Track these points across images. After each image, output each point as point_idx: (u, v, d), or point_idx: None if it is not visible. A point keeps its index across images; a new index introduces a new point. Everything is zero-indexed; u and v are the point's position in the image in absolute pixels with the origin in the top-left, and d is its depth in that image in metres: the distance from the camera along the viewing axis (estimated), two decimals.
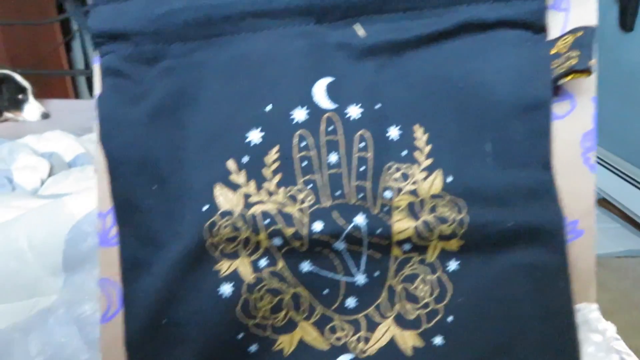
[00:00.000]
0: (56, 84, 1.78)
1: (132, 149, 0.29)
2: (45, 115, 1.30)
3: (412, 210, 0.28)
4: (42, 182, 0.80)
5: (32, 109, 1.29)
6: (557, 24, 0.30)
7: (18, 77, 1.30)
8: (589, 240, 0.30)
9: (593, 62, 0.27)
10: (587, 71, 0.27)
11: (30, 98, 1.30)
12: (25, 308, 0.46)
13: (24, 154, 0.87)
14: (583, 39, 0.27)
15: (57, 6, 1.68)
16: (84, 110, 1.33)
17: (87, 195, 0.46)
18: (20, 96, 1.28)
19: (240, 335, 0.29)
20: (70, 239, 0.45)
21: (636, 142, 1.32)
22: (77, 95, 1.88)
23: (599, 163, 1.40)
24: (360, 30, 0.29)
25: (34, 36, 1.66)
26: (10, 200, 0.58)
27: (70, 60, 1.84)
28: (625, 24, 1.30)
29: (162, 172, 0.29)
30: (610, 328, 0.29)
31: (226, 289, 0.28)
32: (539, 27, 0.29)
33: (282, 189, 0.28)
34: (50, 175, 0.83)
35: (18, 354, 0.39)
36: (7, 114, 1.29)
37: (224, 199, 0.28)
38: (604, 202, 1.38)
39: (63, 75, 1.81)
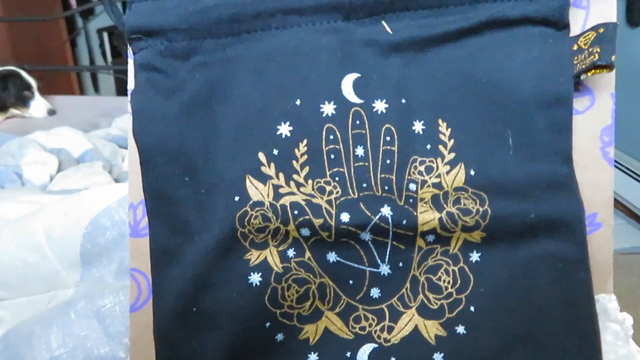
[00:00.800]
0: (61, 80, 1.79)
1: (166, 142, 0.30)
2: (52, 112, 1.31)
3: (437, 203, 0.29)
4: (51, 178, 0.81)
5: (38, 105, 1.29)
6: (578, 21, 0.30)
7: (24, 74, 1.31)
8: (607, 232, 0.31)
9: (614, 58, 0.27)
10: (608, 66, 0.28)
11: (36, 94, 1.30)
12: (43, 301, 0.47)
13: (33, 149, 0.87)
14: (604, 35, 0.28)
15: (62, 3, 1.68)
16: (90, 106, 1.34)
17: (106, 189, 0.47)
18: (26, 92, 1.29)
19: (268, 324, 0.30)
20: (88, 233, 0.45)
21: None
22: (82, 92, 1.89)
23: None
24: (387, 27, 0.29)
25: (39, 33, 1.66)
26: (20, 196, 0.59)
27: (76, 56, 1.85)
28: (632, 20, 1.30)
29: (194, 163, 0.30)
30: (628, 318, 0.30)
31: (256, 277, 0.29)
32: (562, 24, 0.29)
33: (310, 181, 0.29)
34: (59, 170, 0.84)
35: (39, 346, 0.40)
36: (14, 110, 1.29)
37: (255, 190, 0.29)
38: None
39: (68, 71, 1.81)
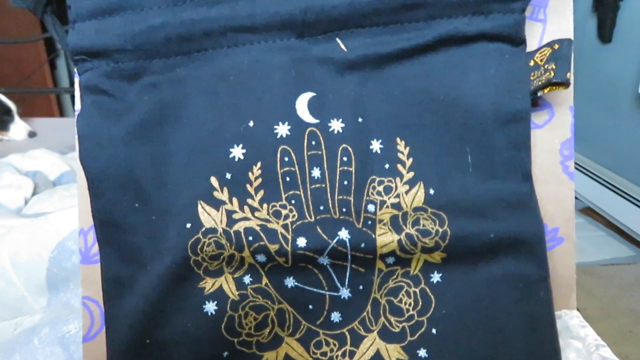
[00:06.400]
0: (41, 102, 1.78)
1: (114, 167, 0.29)
2: (32, 134, 1.29)
3: (396, 224, 0.29)
4: (26, 201, 0.80)
5: (19, 128, 1.28)
6: (535, 35, 0.30)
7: (3, 98, 1.29)
8: (569, 247, 0.30)
9: (569, 75, 0.27)
10: (564, 83, 0.27)
11: (16, 118, 1.29)
12: (9, 328, 0.45)
13: (8, 173, 0.86)
14: (560, 51, 0.28)
15: (41, 24, 1.67)
16: (69, 128, 1.33)
17: (72, 212, 0.46)
18: (5, 117, 1.27)
19: (226, 354, 0.29)
20: (55, 257, 0.44)
21: (619, 151, 1.34)
22: (62, 114, 1.88)
23: (583, 172, 1.42)
24: (342, 45, 0.29)
25: (18, 54, 1.65)
26: None
27: (55, 78, 1.83)
28: (604, 36, 1.33)
29: (144, 189, 0.29)
30: (590, 334, 0.30)
31: (211, 306, 0.28)
32: (518, 40, 0.29)
33: (265, 205, 0.28)
34: (34, 193, 0.82)
35: None
36: None
37: (207, 216, 0.28)
38: (588, 211, 1.40)
39: (48, 93, 1.80)
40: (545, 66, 0.28)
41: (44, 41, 1.71)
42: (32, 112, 1.38)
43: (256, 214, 0.28)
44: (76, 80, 0.30)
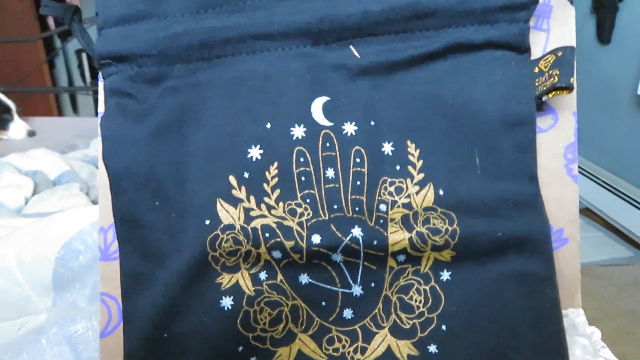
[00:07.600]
0: (39, 101, 1.78)
1: (135, 167, 0.30)
2: (32, 133, 1.30)
3: (407, 223, 0.29)
4: (27, 201, 0.80)
5: (18, 127, 1.28)
6: (539, 43, 0.31)
7: (2, 97, 1.29)
8: (574, 247, 0.31)
9: (573, 80, 0.28)
10: (568, 88, 0.29)
11: (15, 117, 1.29)
12: (14, 328, 0.46)
13: (8, 172, 0.86)
14: (563, 58, 0.29)
15: (39, 23, 1.67)
16: (68, 127, 1.33)
17: (78, 212, 0.46)
18: (5, 115, 1.27)
19: (240, 348, 0.29)
20: (61, 257, 0.45)
21: (617, 152, 1.35)
22: (60, 113, 1.87)
23: (581, 173, 1.43)
24: (355, 52, 0.30)
25: (16, 54, 1.65)
26: None
27: (54, 77, 1.83)
28: (603, 37, 1.34)
29: (164, 188, 0.30)
30: (596, 332, 0.31)
31: (227, 301, 0.29)
32: (523, 48, 0.30)
33: (281, 204, 0.29)
34: (34, 193, 0.82)
35: None
36: None
37: (226, 213, 0.29)
38: (587, 212, 1.41)
39: (46, 92, 1.80)
40: (550, 72, 0.29)
41: (42, 41, 1.71)
42: (30, 111, 1.38)
43: (272, 211, 0.29)
44: (100, 84, 0.31)
